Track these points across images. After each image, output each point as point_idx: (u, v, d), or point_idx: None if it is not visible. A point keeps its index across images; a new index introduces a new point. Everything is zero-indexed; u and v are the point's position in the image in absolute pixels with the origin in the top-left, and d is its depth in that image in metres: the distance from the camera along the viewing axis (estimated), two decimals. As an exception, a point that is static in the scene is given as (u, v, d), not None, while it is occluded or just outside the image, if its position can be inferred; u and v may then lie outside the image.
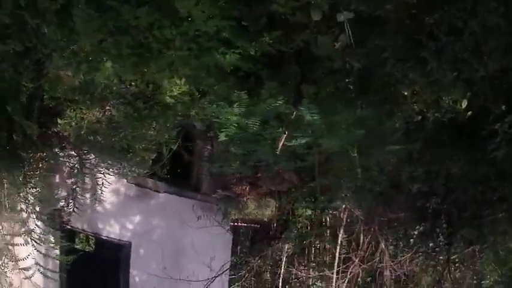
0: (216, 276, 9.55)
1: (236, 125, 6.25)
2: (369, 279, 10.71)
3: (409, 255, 9.67)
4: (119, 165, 8.72)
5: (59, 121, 7.80)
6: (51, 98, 7.64)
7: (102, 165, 8.71)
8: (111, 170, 8.77)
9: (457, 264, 9.65)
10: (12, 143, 7.79)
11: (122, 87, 7.48)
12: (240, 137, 6.44)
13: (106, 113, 7.91)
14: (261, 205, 10.06)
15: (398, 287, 10.65)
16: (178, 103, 7.64)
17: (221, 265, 9.84)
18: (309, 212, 10.04)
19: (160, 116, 7.84)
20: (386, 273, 10.17)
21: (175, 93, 7.50)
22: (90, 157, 8.70)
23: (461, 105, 6.23)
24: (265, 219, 10.47)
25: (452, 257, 9.23)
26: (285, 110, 6.10)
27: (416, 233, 9.00)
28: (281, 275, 10.35)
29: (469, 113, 6.35)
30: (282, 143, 6.00)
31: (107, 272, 9.87)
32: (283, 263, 10.46)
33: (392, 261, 10.00)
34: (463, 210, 8.05)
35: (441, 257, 9.24)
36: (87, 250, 13.36)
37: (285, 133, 5.98)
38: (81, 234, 10.65)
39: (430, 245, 8.98)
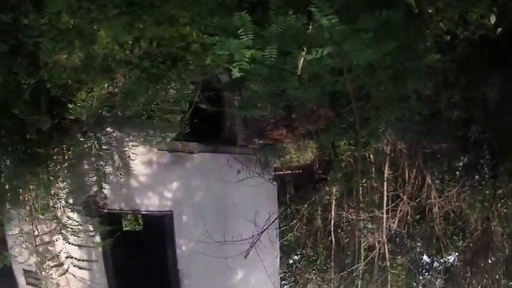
0: (262, 232, 9.07)
1: (251, 58, 5.56)
2: (417, 217, 10.45)
3: (456, 189, 9.65)
4: (145, 134, 8.18)
5: (70, 106, 7.14)
6: (56, 86, 6.99)
7: (128, 138, 8.20)
8: (138, 141, 8.27)
9: (503, 200, 9.27)
10: (28, 143, 7.35)
11: (125, 53, 6.73)
12: (259, 72, 5.74)
13: (117, 84, 7.21)
14: (301, 148, 9.38)
15: (447, 224, 10.45)
16: (189, 53, 6.86)
17: (266, 219, 9.36)
18: (351, 148, 9.31)
19: (172, 71, 7.13)
20: (435, 210, 9.90)
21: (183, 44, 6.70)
22: (114, 134, 8.19)
23: (489, 21, 5.77)
24: (308, 163, 9.86)
25: (498, 192, 8.80)
26: (299, 24, 5.26)
27: (461, 164, 8.71)
28: (332, 220, 9.98)
29: (499, 29, 5.88)
30: (301, 61, 5.11)
31: (154, 246, 9.66)
32: (333, 206, 10.05)
33: (440, 197, 9.78)
34: (504, 140, 7.60)
35: (487, 192, 8.86)
36: (136, 229, 13.40)
37: (303, 50, 5.12)
38: (128, 215, 10.41)
39: (476, 177, 8.79)
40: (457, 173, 9.60)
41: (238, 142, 9.60)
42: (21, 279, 8.50)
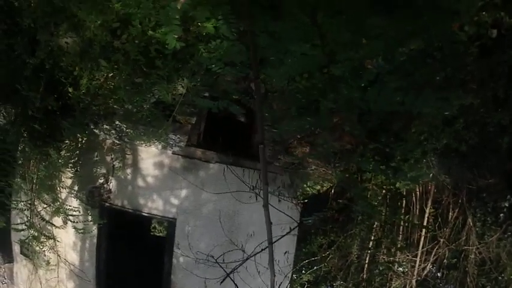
0: (248, 257, 8.10)
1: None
2: (454, 260, 9.64)
3: (497, 235, 8.66)
4: (155, 133, 8.02)
5: (69, 90, 7.28)
6: (57, 68, 7.22)
7: (135, 135, 8.11)
8: (150, 140, 8.14)
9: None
10: (38, 122, 7.63)
11: (112, 39, 6.66)
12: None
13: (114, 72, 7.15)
14: (322, 171, 8.42)
15: (482, 272, 9.46)
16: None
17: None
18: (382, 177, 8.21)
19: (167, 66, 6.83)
20: (471, 256, 9.11)
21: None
22: (126, 129, 8.18)
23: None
24: (331, 185, 8.91)
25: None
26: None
27: (506, 205, 8.18)
28: (367, 256, 8.95)
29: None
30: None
31: (151, 251, 9.35)
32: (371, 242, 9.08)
33: (479, 243, 8.99)
34: None
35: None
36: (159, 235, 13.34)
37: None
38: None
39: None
40: (501, 215, 8.73)
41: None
42: (16, 247, 8.95)
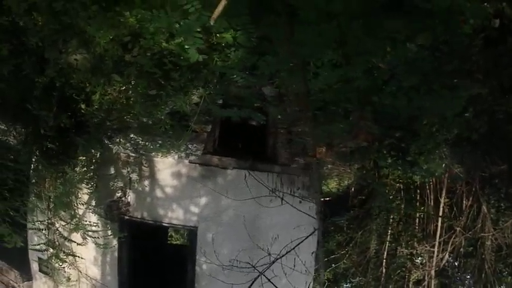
0: (276, 260, 8.11)
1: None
2: (470, 249, 9.81)
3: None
4: (170, 144, 8.02)
5: (82, 106, 7.26)
6: (68, 85, 7.17)
7: (154, 147, 8.11)
8: (166, 151, 8.14)
9: None
10: (51, 140, 7.61)
11: (123, 54, 6.63)
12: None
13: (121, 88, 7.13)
14: (341, 170, 8.44)
15: (499, 258, 9.58)
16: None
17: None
18: (397, 171, 8.24)
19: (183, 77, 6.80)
20: (488, 243, 9.21)
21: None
22: (140, 142, 8.18)
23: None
24: (349, 183, 8.92)
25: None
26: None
27: None
28: (385, 250, 8.93)
29: None
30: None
31: (174, 260, 9.36)
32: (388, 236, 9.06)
33: (494, 229, 9.12)
34: None
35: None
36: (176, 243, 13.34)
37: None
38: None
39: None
40: (515, 200, 8.65)
41: (279, 160, 8.93)
42: (34, 265, 8.88)
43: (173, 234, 13.77)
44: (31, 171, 7.88)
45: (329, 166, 8.76)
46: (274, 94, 7.88)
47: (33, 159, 7.76)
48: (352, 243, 10.20)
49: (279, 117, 8.57)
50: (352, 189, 9.77)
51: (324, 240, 10.11)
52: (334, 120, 7.18)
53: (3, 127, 7.83)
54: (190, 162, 8.61)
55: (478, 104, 6.78)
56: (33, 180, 7.84)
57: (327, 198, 9.04)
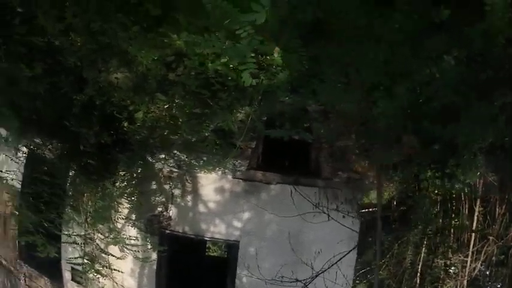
0: (318, 273, 8.09)
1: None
2: (502, 257, 9.60)
3: None
4: (215, 161, 7.91)
5: (125, 124, 7.19)
6: (109, 104, 7.09)
7: (198, 163, 8.03)
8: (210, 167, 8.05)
9: None
10: (92, 156, 7.58)
11: (167, 73, 6.48)
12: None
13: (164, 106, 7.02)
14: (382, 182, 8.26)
15: None
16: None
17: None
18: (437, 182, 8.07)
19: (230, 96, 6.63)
20: None
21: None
22: (184, 158, 8.09)
23: None
24: (390, 197, 8.78)
25: None
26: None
27: None
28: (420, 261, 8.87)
29: None
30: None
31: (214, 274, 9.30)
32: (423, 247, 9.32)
33: None
34: None
35: None
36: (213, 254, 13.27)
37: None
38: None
39: None
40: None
41: (322, 175, 8.71)
42: (67, 274, 8.93)
43: (211, 246, 13.72)
44: (67, 184, 7.92)
45: (371, 180, 8.56)
46: (319, 111, 7.73)
47: (70, 173, 7.80)
48: (389, 254, 10.02)
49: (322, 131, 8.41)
50: (394, 203, 9.58)
51: (361, 253, 9.98)
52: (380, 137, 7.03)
53: (38, 141, 7.84)
54: (234, 177, 8.51)
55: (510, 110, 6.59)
56: (70, 193, 7.87)
57: (371, 210, 8.89)
